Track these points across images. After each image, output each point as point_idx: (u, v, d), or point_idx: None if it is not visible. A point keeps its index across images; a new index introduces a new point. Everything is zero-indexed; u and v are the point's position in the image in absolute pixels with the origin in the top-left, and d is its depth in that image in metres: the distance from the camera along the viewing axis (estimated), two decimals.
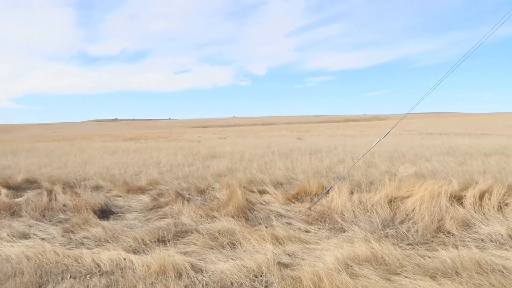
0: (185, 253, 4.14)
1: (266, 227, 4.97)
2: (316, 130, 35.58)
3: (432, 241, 4.31)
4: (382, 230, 4.70)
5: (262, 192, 6.57)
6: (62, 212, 5.92)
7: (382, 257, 3.73)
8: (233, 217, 5.30)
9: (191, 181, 7.70)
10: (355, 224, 4.92)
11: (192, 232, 4.78)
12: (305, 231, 4.87)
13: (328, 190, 5.67)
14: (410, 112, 5.90)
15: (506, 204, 4.88)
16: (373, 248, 3.88)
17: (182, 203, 5.90)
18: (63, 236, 4.89)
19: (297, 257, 3.99)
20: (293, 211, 5.66)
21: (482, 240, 4.24)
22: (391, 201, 5.33)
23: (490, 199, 4.97)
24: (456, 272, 3.37)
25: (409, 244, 4.24)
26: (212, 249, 4.31)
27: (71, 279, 3.61)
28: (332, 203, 5.50)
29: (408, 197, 5.29)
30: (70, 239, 4.80)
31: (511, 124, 35.48)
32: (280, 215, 5.53)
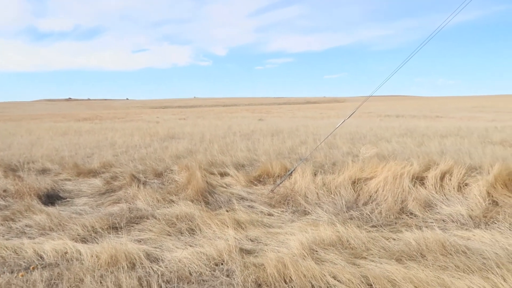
0: (139, 241, 3.83)
1: (227, 211, 4.74)
2: (277, 112, 35.58)
3: (395, 223, 4.26)
4: (346, 212, 4.61)
5: (223, 175, 6.31)
6: (1, 198, 5.37)
7: (347, 241, 3.62)
8: (192, 201, 5.02)
9: (148, 163, 7.30)
10: (318, 207, 4.80)
11: (148, 218, 4.46)
12: (268, 215, 4.69)
13: (291, 172, 5.51)
14: (373, 94, 5.86)
15: (466, 185, 4.94)
16: (338, 232, 3.76)
17: (138, 186, 5.53)
18: (1, 225, 4.41)
19: (260, 242, 3.80)
20: (256, 194, 5.46)
21: (443, 220, 4.25)
22: (355, 182, 5.25)
23: (450, 179, 5.01)
24: (421, 254, 3.31)
25: (373, 226, 4.17)
26: (170, 235, 4.03)
27: (8, 273, 3.21)
28: (295, 185, 5.34)
29: (371, 178, 5.23)
30: (10, 228, 4.33)
31: (461, 107, 37.24)
32: (242, 198, 5.31)
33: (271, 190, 5.43)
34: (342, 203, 4.80)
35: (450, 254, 3.29)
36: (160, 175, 6.55)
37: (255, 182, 5.92)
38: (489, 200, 4.44)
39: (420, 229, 4.00)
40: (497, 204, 4.44)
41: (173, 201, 5.06)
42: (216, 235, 3.97)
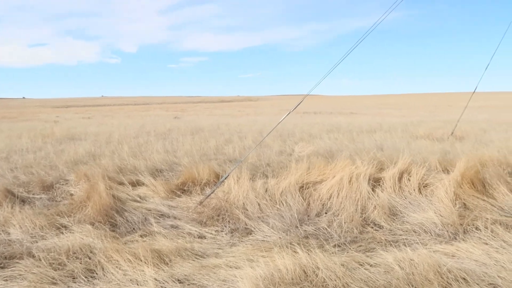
0: None
1: (142, 236, 3.50)
2: (194, 110, 34.05)
3: (362, 239, 3.41)
4: (299, 227, 3.65)
5: (136, 184, 4.98)
6: None
7: (314, 273, 2.64)
8: (93, 225, 3.66)
9: (35, 172, 5.63)
10: (263, 222, 3.78)
11: (22, 257, 3.03)
12: (199, 237, 3.55)
13: (225, 179, 4.42)
14: (310, 93, 5.19)
15: (426, 185, 4.32)
16: (300, 259, 2.77)
17: (12, 207, 3.98)
18: None
19: (193, 284, 2.66)
20: (180, 208, 4.26)
21: (415, 231, 3.51)
22: (302, 188, 4.35)
23: (409, 180, 4.36)
24: (415, 287, 2.47)
25: (337, 246, 3.27)
26: (55, 284, 2.68)
27: None
28: (230, 195, 4.26)
29: (320, 182, 4.37)
30: None
31: (370, 105, 39.49)
32: (162, 215, 4.07)
33: (199, 203, 4.27)
34: (292, 215, 3.84)
35: (450, 284, 2.49)
36: (50, 188, 4.98)
37: (178, 193, 4.71)
38: (458, 203, 3.82)
39: (395, 245, 3.20)
40: (467, 207, 3.85)
41: (64, 227, 3.64)
42: (128, 277, 2.73)
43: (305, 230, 3.59)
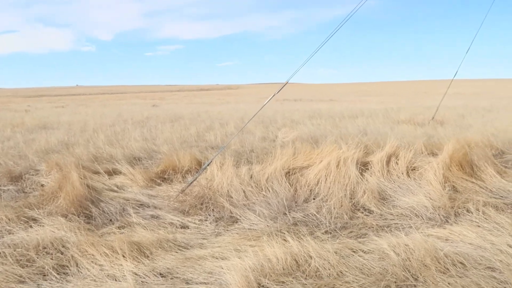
0: None
1: (120, 228, 3.26)
2: (172, 98, 33.38)
3: (353, 225, 3.28)
4: (287, 214, 3.49)
5: (112, 173, 4.70)
6: None
7: (307, 262, 2.48)
8: (65, 217, 3.40)
9: (2, 163, 5.26)
10: (249, 209, 3.60)
11: None
12: (182, 227, 3.34)
13: (207, 165, 4.20)
14: (289, 81, 5.04)
15: (414, 169, 4.22)
16: (291, 248, 2.61)
17: None
18: None
19: (177, 277, 2.46)
20: (160, 197, 4.03)
21: (406, 216, 3.40)
22: (289, 173, 4.18)
23: (397, 163, 4.25)
24: (412, 273, 2.34)
25: (328, 233, 3.12)
26: (23, 283, 2.43)
27: None
28: (214, 182, 4.06)
29: (307, 167, 4.21)
30: None
31: (348, 92, 39.70)
32: (142, 205, 3.84)
33: (181, 191, 4.05)
34: (279, 202, 3.67)
35: (448, 269, 2.38)
36: (19, 178, 4.65)
37: (158, 181, 4.47)
38: (448, 185, 3.74)
39: (387, 230, 3.08)
40: (456, 190, 3.77)
41: (34, 220, 3.36)
42: (104, 272, 2.50)
43: (294, 217, 3.43)
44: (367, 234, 3.05)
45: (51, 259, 2.67)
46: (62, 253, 2.75)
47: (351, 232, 3.14)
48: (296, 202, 3.76)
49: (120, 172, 4.63)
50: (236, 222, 3.41)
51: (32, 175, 4.78)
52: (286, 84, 5.39)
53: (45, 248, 2.81)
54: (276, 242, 2.68)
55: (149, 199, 3.97)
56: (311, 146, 4.97)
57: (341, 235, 3.06)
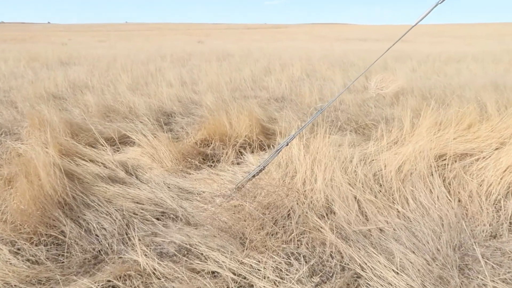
0: None
1: (116, 279, 1.49)
2: (219, 35, 31.04)
3: None
4: (460, 265, 1.57)
5: (123, 142, 2.94)
6: None
7: None
8: (13, 245, 1.69)
9: None
10: (373, 246, 1.71)
11: None
12: (235, 281, 1.53)
13: (283, 146, 2.25)
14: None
15: None
16: None
17: None
18: None
19: None
20: (197, 195, 2.22)
21: None
22: (443, 166, 2.18)
23: None
24: None
25: None
26: None
27: None
28: (295, 178, 2.16)
29: (471, 154, 2.18)
30: None
31: (418, 33, 35.18)
32: (163, 215, 2.06)
33: (236, 187, 2.21)
34: (436, 233, 1.74)
35: None
36: None
37: (196, 161, 2.65)
38: None
39: None
40: None
41: None
42: None
43: (478, 271, 1.51)
44: None
45: None
46: None
47: None
48: (473, 234, 1.81)
49: (133, 143, 2.84)
50: (357, 279, 1.55)
51: (8, 135, 3.13)
52: (411, 28, 3.22)
53: None
54: None
55: (178, 200, 2.17)
56: (438, 106, 2.88)
57: None
